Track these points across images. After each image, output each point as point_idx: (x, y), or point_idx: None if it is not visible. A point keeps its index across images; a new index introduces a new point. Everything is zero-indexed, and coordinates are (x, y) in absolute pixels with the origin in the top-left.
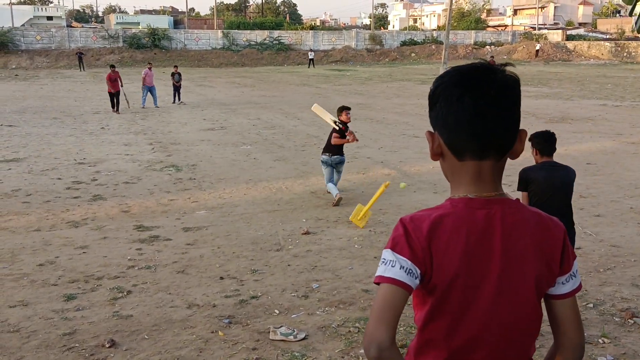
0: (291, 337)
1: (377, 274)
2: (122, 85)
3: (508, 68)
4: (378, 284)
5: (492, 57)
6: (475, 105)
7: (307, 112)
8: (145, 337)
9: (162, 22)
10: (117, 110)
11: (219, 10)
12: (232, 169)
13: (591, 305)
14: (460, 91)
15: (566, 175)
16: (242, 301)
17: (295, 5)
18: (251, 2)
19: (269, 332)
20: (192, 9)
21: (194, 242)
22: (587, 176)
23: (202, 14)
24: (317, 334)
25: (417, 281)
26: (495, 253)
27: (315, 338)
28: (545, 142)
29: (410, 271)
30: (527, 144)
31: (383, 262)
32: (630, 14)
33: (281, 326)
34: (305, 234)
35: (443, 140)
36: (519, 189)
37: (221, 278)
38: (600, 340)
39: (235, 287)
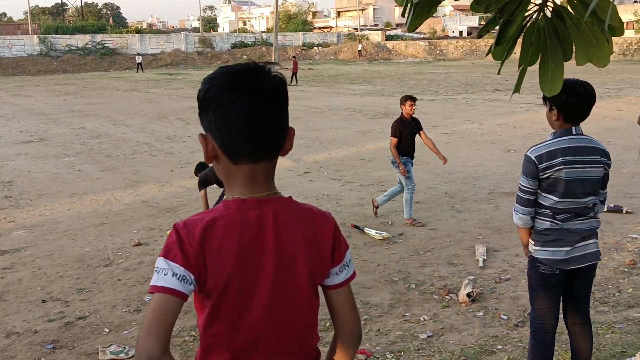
0: (122, 354)
1: (151, 283)
2: None
3: (274, 67)
4: (152, 293)
5: (295, 57)
6: (249, 109)
7: (137, 118)
8: None
9: None
10: None
11: (34, 15)
12: (53, 184)
13: (413, 286)
14: (233, 95)
15: None
16: (68, 323)
17: (118, 8)
18: (70, 5)
19: (98, 352)
20: (4, 14)
21: (12, 266)
22: None
23: (15, 18)
24: None
25: (192, 287)
26: (268, 252)
27: None
28: None
29: (184, 278)
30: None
31: (156, 270)
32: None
33: (110, 345)
34: (136, 245)
35: (217, 144)
36: None
37: (43, 301)
38: (421, 318)
39: (59, 310)
